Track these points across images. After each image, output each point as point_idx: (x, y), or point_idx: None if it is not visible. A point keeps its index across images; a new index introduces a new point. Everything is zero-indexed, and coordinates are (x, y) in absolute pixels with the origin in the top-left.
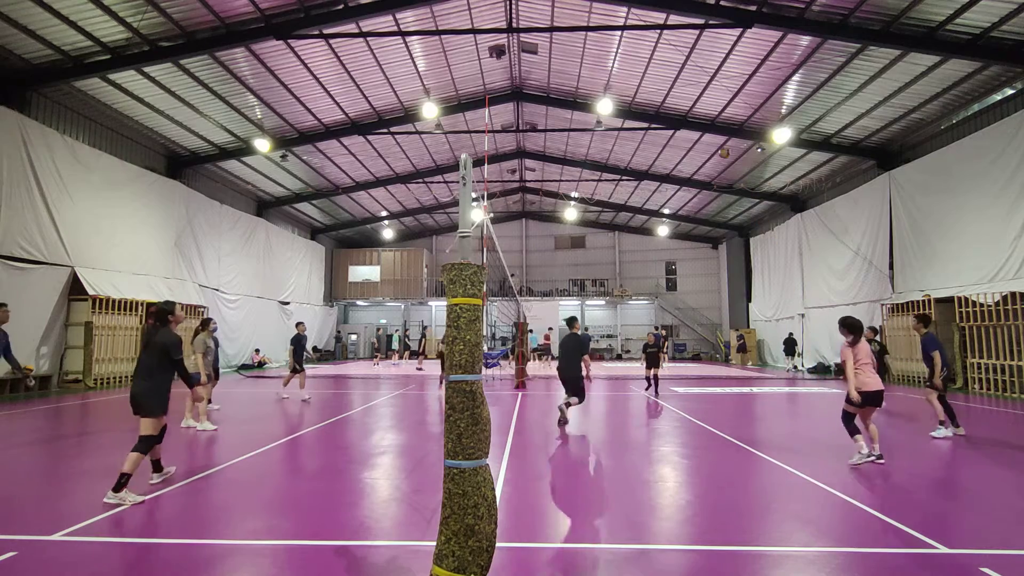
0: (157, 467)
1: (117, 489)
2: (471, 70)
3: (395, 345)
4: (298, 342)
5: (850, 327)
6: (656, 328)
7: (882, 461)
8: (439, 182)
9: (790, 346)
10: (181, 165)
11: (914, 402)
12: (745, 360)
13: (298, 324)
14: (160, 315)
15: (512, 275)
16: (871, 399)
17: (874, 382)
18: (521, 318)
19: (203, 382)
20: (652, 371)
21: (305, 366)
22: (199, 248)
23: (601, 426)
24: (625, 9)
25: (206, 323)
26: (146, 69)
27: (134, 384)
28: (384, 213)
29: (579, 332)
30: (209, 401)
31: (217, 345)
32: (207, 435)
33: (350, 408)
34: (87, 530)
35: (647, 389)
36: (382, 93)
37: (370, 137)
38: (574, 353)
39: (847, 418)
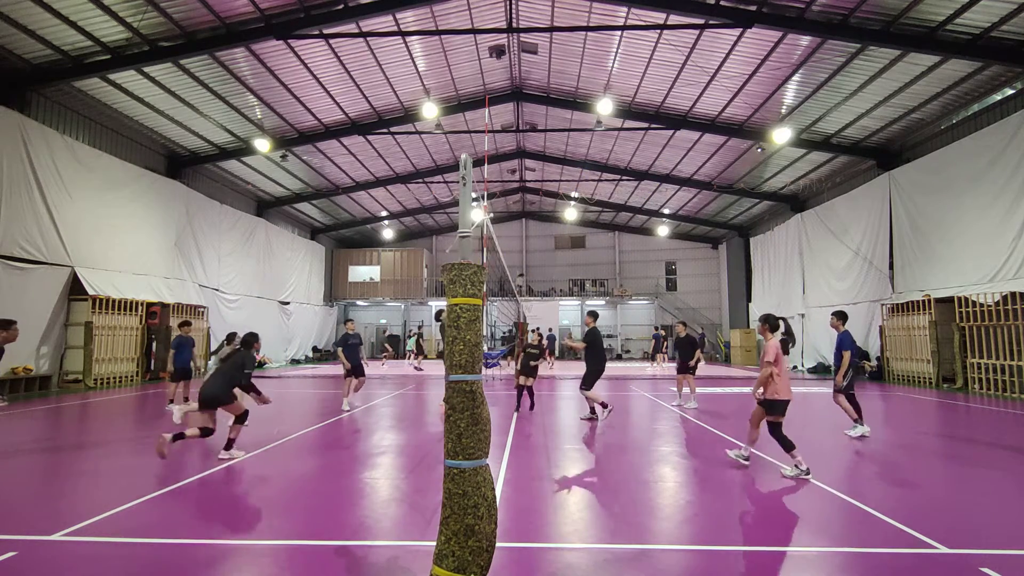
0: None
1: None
2: (471, 70)
3: (411, 345)
4: (345, 341)
5: (774, 325)
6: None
7: (747, 464)
8: (439, 182)
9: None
10: (181, 165)
11: (914, 402)
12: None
13: (347, 322)
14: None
15: (520, 275)
16: (783, 409)
17: (788, 390)
18: (521, 318)
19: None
20: (528, 381)
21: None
22: (199, 248)
23: (600, 427)
24: (625, 9)
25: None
26: (146, 69)
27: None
28: (384, 213)
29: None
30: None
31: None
32: None
33: (350, 408)
34: (87, 530)
35: (531, 408)
36: (382, 93)
37: (370, 137)
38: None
39: (778, 429)
